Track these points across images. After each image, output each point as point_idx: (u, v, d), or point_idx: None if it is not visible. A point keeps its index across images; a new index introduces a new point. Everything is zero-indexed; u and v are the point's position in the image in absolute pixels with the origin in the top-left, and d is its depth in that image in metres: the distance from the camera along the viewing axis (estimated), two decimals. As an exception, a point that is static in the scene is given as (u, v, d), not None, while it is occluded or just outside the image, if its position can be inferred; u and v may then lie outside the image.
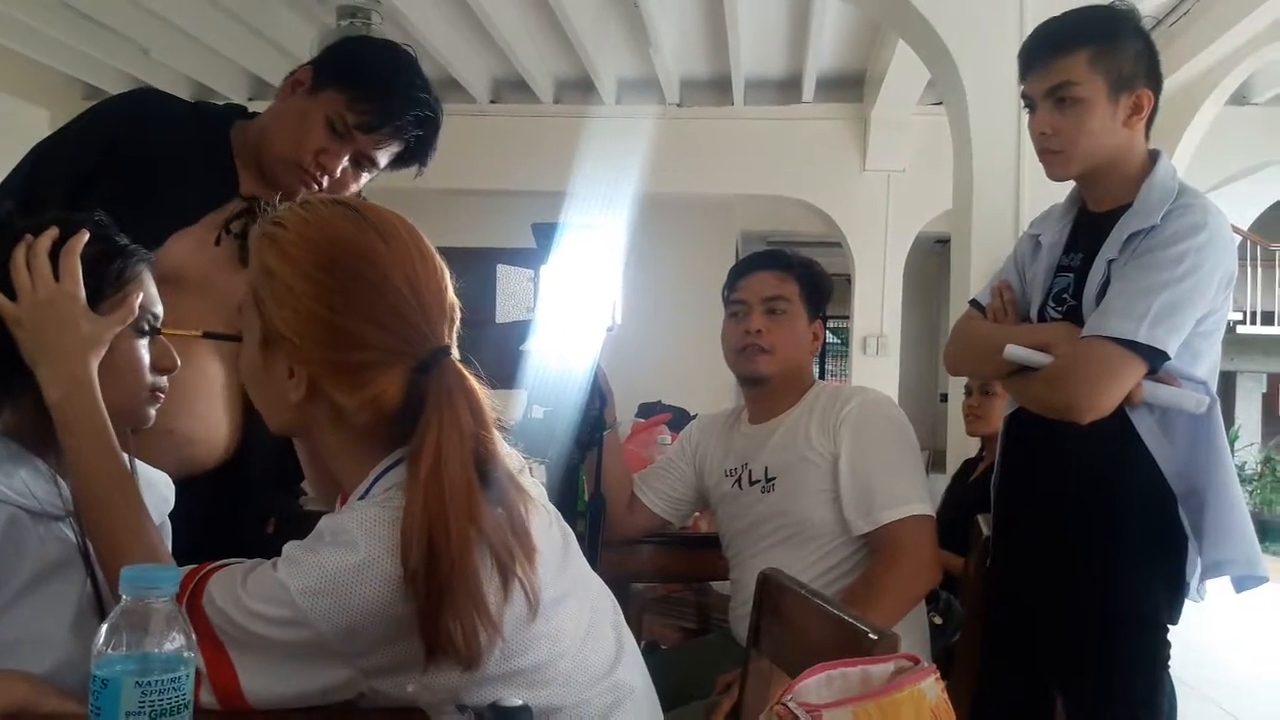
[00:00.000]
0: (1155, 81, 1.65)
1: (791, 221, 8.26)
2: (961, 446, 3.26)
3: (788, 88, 6.96)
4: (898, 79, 5.87)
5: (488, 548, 0.91)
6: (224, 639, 0.88)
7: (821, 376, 13.27)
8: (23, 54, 6.68)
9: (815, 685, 0.69)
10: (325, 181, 1.55)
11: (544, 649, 0.94)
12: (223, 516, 1.48)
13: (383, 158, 1.58)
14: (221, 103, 1.75)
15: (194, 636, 0.64)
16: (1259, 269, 11.45)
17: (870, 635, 1.05)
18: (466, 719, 0.77)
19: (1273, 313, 11.74)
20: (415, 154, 1.60)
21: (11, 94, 7.01)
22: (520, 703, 0.65)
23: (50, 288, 1.04)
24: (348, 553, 0.88)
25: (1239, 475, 7.77)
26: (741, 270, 2.04)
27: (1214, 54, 5.50)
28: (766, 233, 10.69)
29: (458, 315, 1.03)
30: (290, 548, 0.91)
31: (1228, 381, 12.52)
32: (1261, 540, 8.06)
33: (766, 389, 1.97)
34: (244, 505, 1.59)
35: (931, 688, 0.74)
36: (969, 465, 3.09)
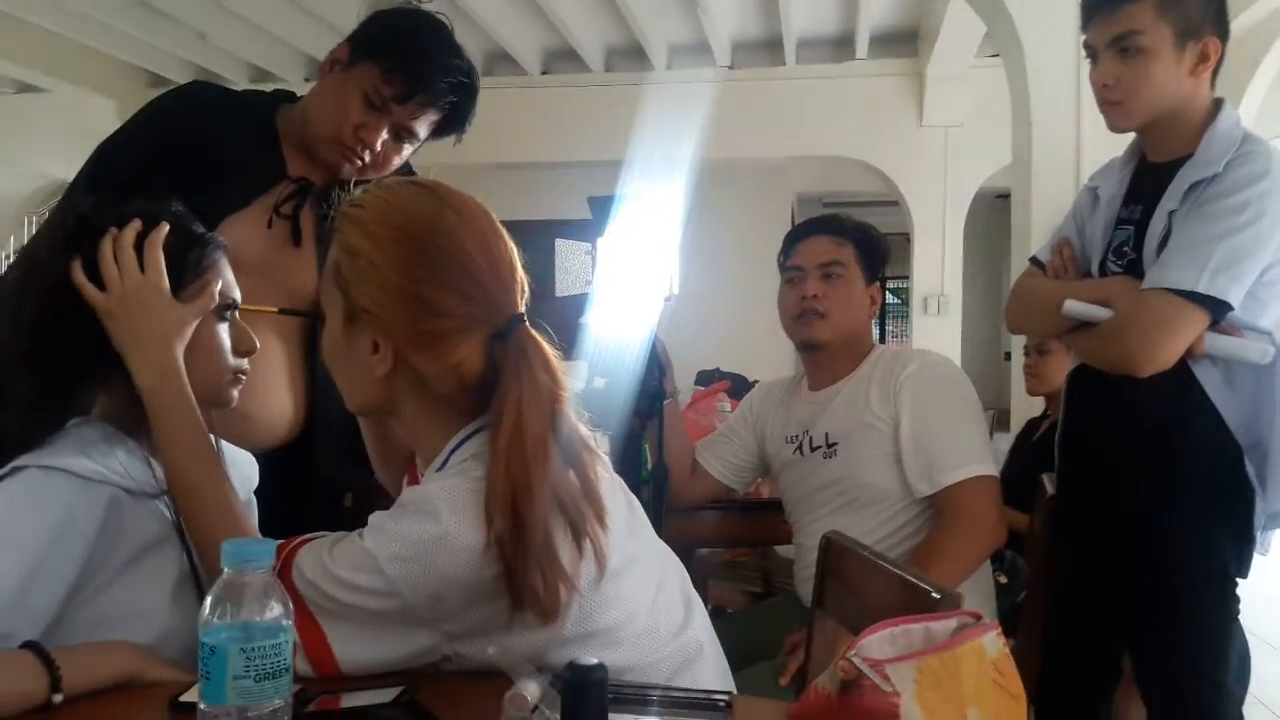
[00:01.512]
0: (1223, 28, 1.61)
1: (848, 182, 8.16)
2: (1025, 405, 3.23)
3: (841, 45, 6.86)
4: (953, 31, 5.75)
5: (559, 508, 0.95)
6: (314, 609, 0.93)
7: (882, 338, 13.15)
8: (88, 46, 6.86)
9: (879, 641, 0.71)
10: (367, 156, 1.58)
11: (616, 611, 0.98)
12: (292, 493, 1.52)
13: (422, 128, 1.60)
14: (277, 85, 1.79)
15: (290, 605, 0.69)
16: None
17: (934, 594, 1.07)
18: (545, 679, 0.81)
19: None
20: (453, 122, 1.62)
21: (79, 85, 7.22)
22: (596, 661, 0.69)
23: (137, 280, 1.09)
24: (431, 522, 0.92)
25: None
26: (797, 236, 2.04)
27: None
28: (822, 194, 10.57)
29: (527, 287, 1.07)
30: (376, 518, 0.96)
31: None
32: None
33: (825, 354, 1.97)
34: (313, 482, 1.64)
35: (993, 642, 0.76)
36: (1033, 424, 3.07)
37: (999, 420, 4.80)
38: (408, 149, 1.64)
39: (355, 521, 1.02)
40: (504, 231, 1.06)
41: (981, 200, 7.03)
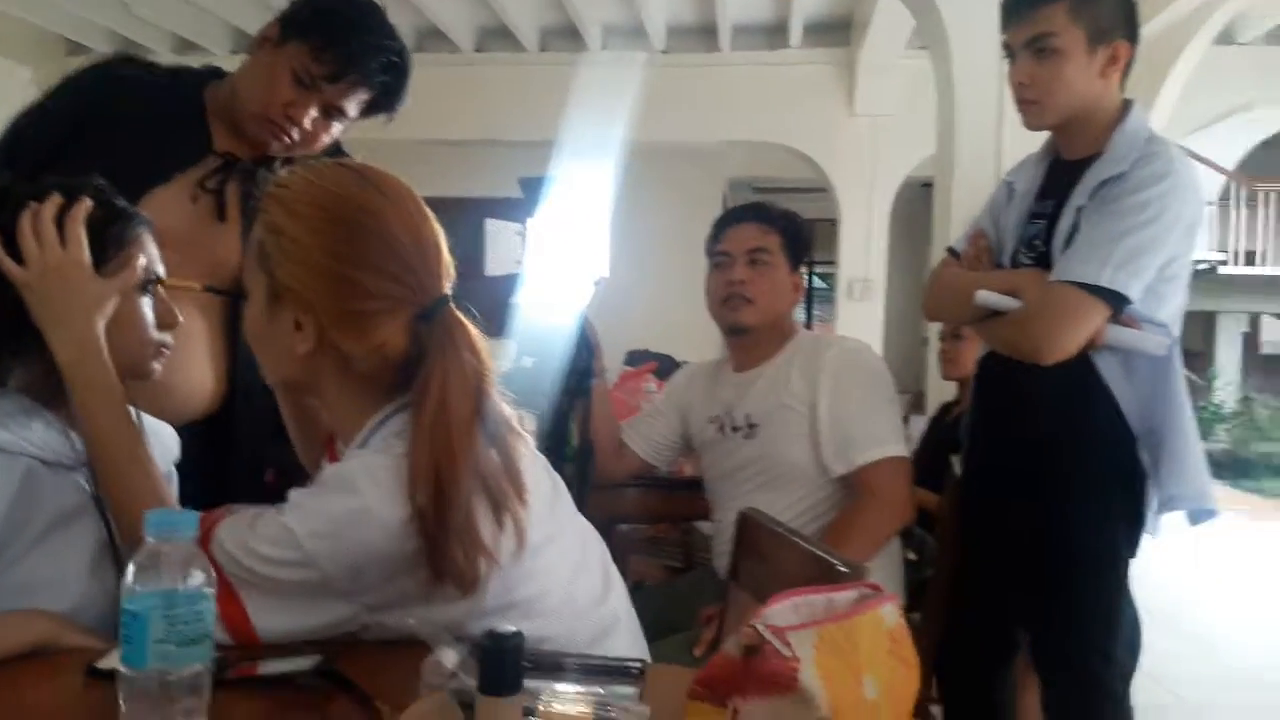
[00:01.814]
0: (1133, 32, 1.69)
1: (779, 167, 8.25)
2: (941, 389, 3.33)
3: (774, 33, 6.92)
4: (884, 22, 5.85)
5: (481, 485, 0.97)
6: (233, 580, 0.94)
7: (808, 322, 13.33)
8: (5, 12, 6.60)
9: (783, 610, 0.75)
10: (295, 134, 1.57)
11: (535, 584, 1.01)
12: (212, 467, 1.52)
13: (351, 107, 1.59)
14: (202, 57, 1.77)
15: (213, 574, 0.70)
16: (1243, 209, 11.48)
17: (841, 568, 1.12)
18: (464, 648, 0.84)
19: (1254, 253, 11.80)
20: (384, 101, 1.62)
21: (-8, 51, 6.94)
22: (514, 629, 0.72)
23: (57, 254, 1.08)
24: (351, 497, 0.94)
25: (1217, 415, 7.94)
26: (725, 222, 2.09)
27: (1198, -6, 5.50)
28: (754, 179, 10.66)
29: (453, 270, 1.08)
30: (295, 494, 0.97)
31: (1209, 321, 12.60)
32: (1238, 478, 8.21)
33: (749, 339, 2.02)
34: (233, 456, 1.63)
35: (890, 613, 0.81)
36: (947, 407, 3.17)
37: (916, 403, 4.93)
38: (337, 127, 1.63)
39: (276, 496, 1.03)
40: (430, 213, 1.07)
41: (908, 188, 7.17)
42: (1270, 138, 11.12)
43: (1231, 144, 11.07)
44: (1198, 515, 1.68)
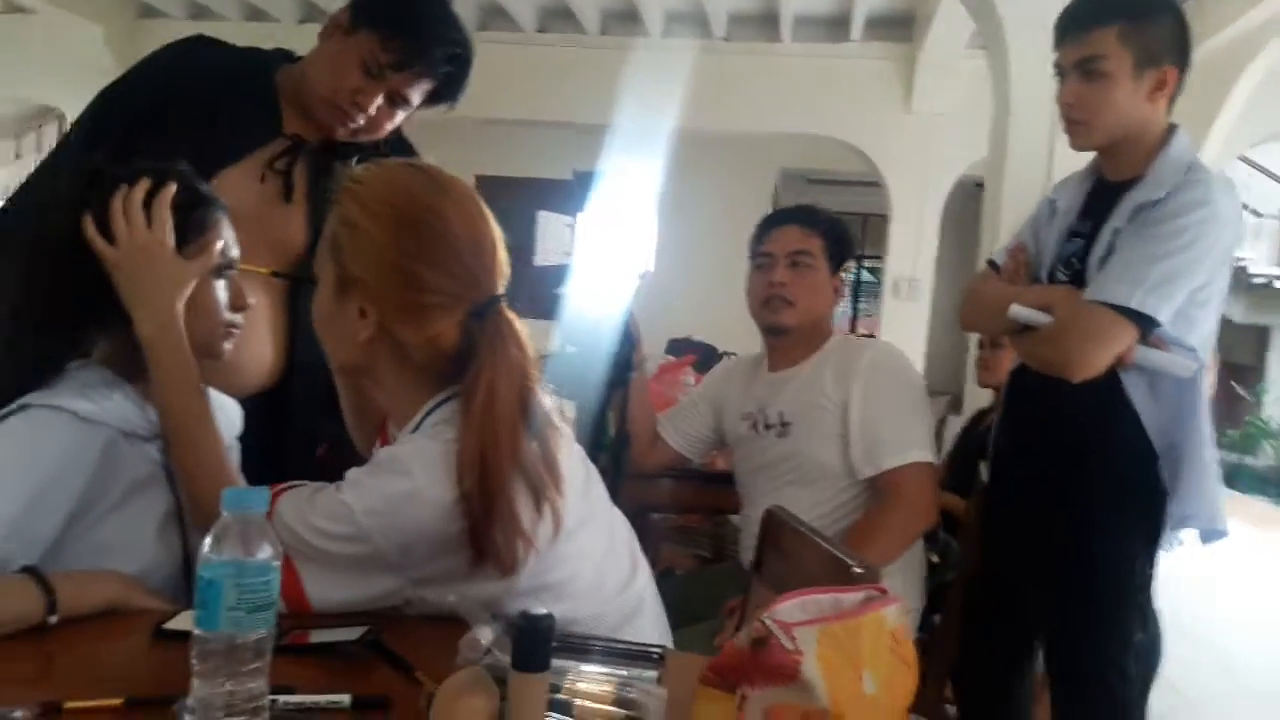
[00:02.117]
0: (1183, 58, 1.71)
1: (832, 160, 8.22)
2: (977, 394, 3.36)
3: (836, 25, 6.90)
4: (946, 21, 5.82)
5: (523, 474, 1.05)
6: (290, 552, 1.03)
7: (854, 316, 13.30)
8: (77, -31, 6.78)
9: (792, 608, 0.81)
10: (361, 120, 1.64)
11: (567, 568, 1.09)
12: (269, 439, 1.59)
13: (415, 95, 1.66)
14: (271, 25, 1.84)
15: (280, 547, 0.78)
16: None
17: (855, 569, 1.18)
18: (499, 626, 0.91)
19: (1315, 268, 11.55)
20: (446, 91, 1.68)
21: (67, 9, 7.13)
22: (546, 611, 0.79)
23: (144, 235, 1.17)
24: (404, 479, 1.02)
25: (1265, 430, 7.80)
26: (770, 224, 2.14)
27: (1272, 5, 5.40)
28: (806, 170, 10.61)
29: (508, 271, 1.15)
30: (353, 473, 1.05)
31: (1262, 336, 12.36)
32: (1280, 494, 7.91)
33: (787, 339, 2.08)
34: (289, 429, 1.71)
35: (894, 614, 0.86)
36: (981, 414, 3.19)
37: (954, 404, 4.94)
38: (400, 114, 1.69)
39: (329, 469, 1.11)
40: (490, 216, 1.15)
41: (961, 189, 7.13)
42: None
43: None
44: (1208, 535, 1.71)
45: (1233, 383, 12.54)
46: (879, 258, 7.76)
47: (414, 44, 1.60)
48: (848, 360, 1.98)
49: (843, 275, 2.12)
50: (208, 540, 0.75)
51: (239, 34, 6.96)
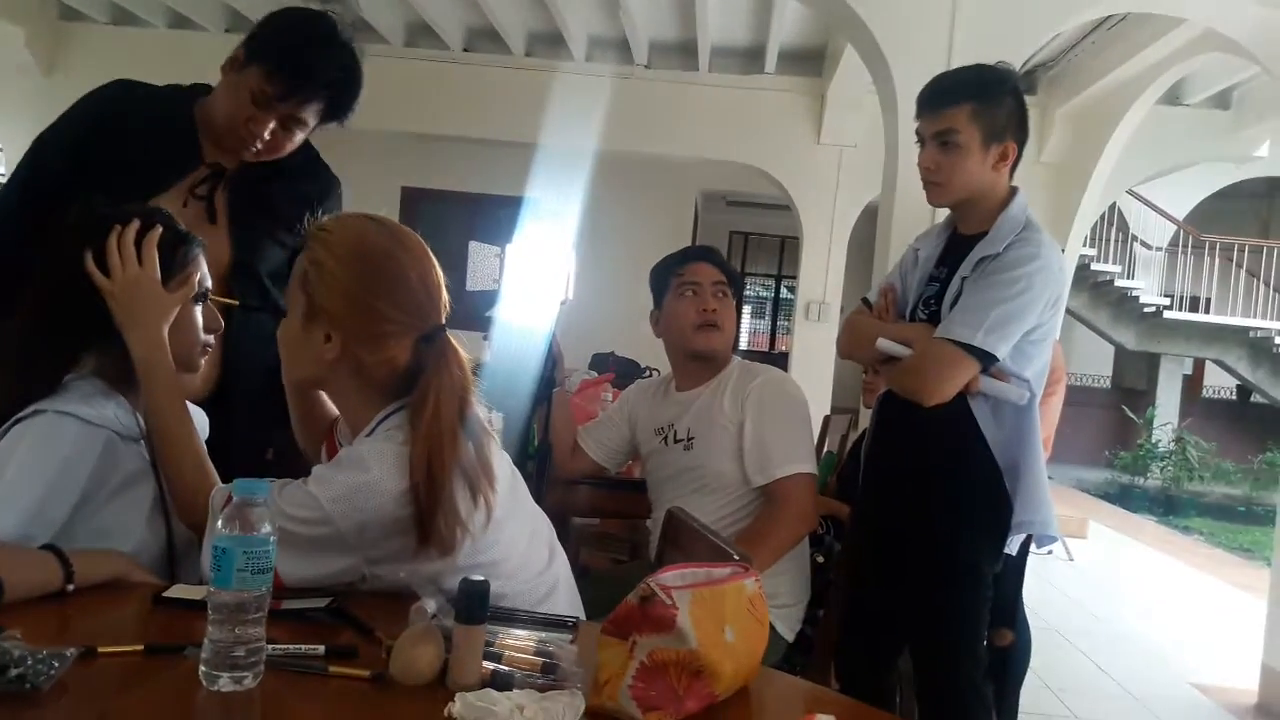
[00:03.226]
0: (1022, 134, 2.04)
1: (749, 183, 8.56)
2: (868, 414, 3.65)
3: (751, 57, 7.23)
4: (854, 59, 6.14)
5: (462, 471, 1.27)
6: None
7: (772, 333, 13.58)
8: (-1, -28, 6.76)
9: (673, 576, 1.06)
10: (259, 145, 1.81)
11: (498, 550, 1.32)
12: (215, 443, 1.72)
13: (309, 118, 1.83)
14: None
15: (276, 525, 1.00)
16: (1189, 257, 11.97)
17: (735, 558, 1.43)
18: (443, 598, 1.13)
19: (1199, 299, 12.28)
20: (335, 111, 1.85)
21: (-12, 11, 7.09)
22: (481, 578, 1.03)
23: (135, 269, 1.38)
24: (362, 472, 1.24)
25: (1153, 453, 8.37)
26: (690, 257, 2.40)
27: (1147, 58, 5.88)
28: (725, 193, 10.96)
29: (447, 305, 1.38)
30: (318, 469, 1.27)
31: (1151, 362, 13.05)
32: (1167, 514, 8.60)
33: (704, 363, 2.34)
34: (233, 435, 1.82)
35: (751, 585, 1.12)
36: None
37: (854, 422, 5.27)
38: (299, 134, 1.86)
39: (277, 470, 1.33)
40: (434, 260, 1.38)
41: (867, 217, 7.49)
42: (1223, 189, 11.62)
43: (1183, 197, 11.55)
44: (1042, 540, 2.04)
45: (1124, 407, 13.21)
46: (793, 277, 8.09)
47: (297, 77, 1.77)
48: (743, 384, 2.25)
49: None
50: (220, 519, 0.97)
51: (163, 41, 7.11)
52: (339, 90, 1.83)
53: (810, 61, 7.22)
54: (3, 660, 0.90)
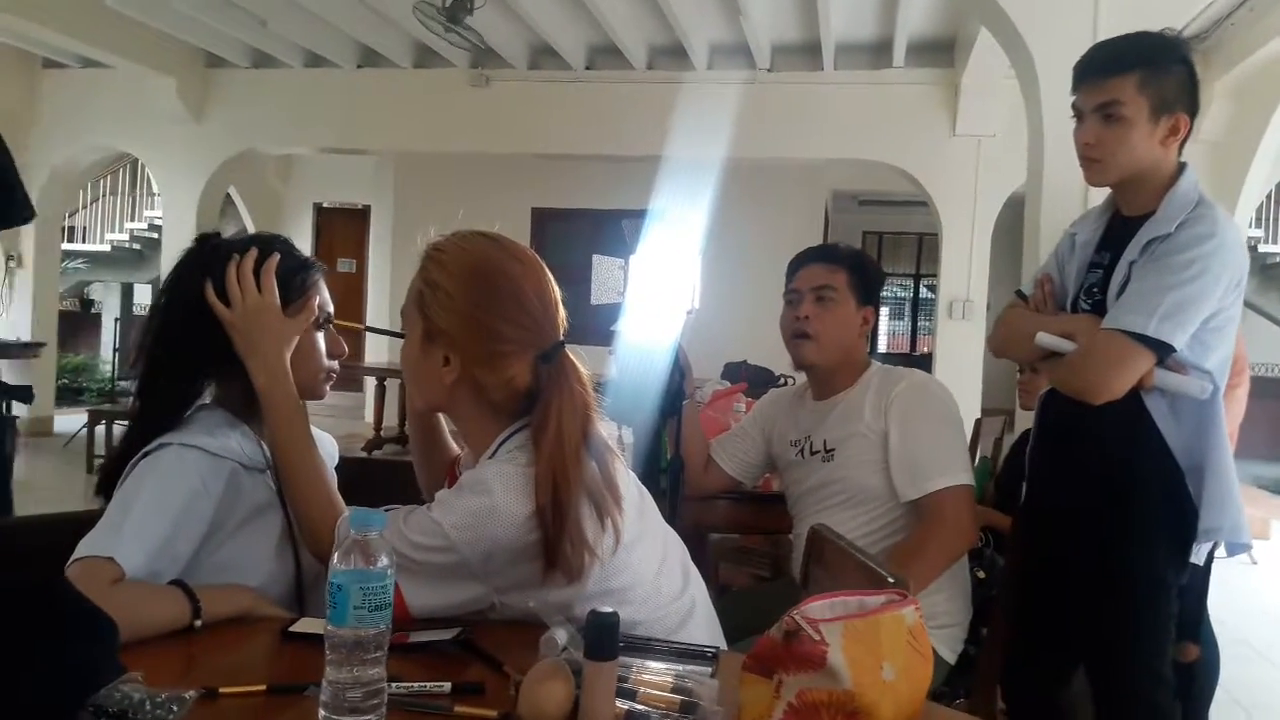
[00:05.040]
0: (1193, 106, 1.83)
1: (882, 181, 8.35)
2: (1024, 416, 3.44)
3: (878, 52, 7.04)
4: (987, 45, 5.88)
5: (587, 493, 1.20)
6: None
7: (913, 335, 13.18)
8: (150, 26, 7.19)
9: (820, 607, 0.95)
10: None
11: (628, 575, 1.24)
12: None
13: None
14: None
15: (394, 559, 0.94)
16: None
17: (889, 580, 1.31)
18: (573, 628, 1.06)
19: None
20: None
21: (141, 63, 7.55)
22: (612, 610, 0.94)
23: (255, 298, 1.36)
24: (485, 496, 1.18)
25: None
26: (796, 264, 2.28)
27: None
28: (857, 192, 10.73)
29: (565, 321, 1.32)
30: (441, 494, 1.23)
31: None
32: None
33: (819, 372, 2.21)
34: None
35: (911, 614, 1.00)
36: (1027, 435, 3.27)
37: (1009, 422, 5.00)
38: None
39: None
40: (550, 276, 1.32)
41: (1011, 209, 7.18)
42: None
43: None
44: (1233, 548, 1.81)
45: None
46: (934, 275, 7.82)
47: None
48: (884, 390, 2.11)
49: (872, 308, 2.23)
50: (335, 554, 0.91)
51: (301, 80, 7.39)
52: None
53: (941, 52, 6.97)
54: (122, 705, 0.87)
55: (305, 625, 1.18)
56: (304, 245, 12.12)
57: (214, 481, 1.29)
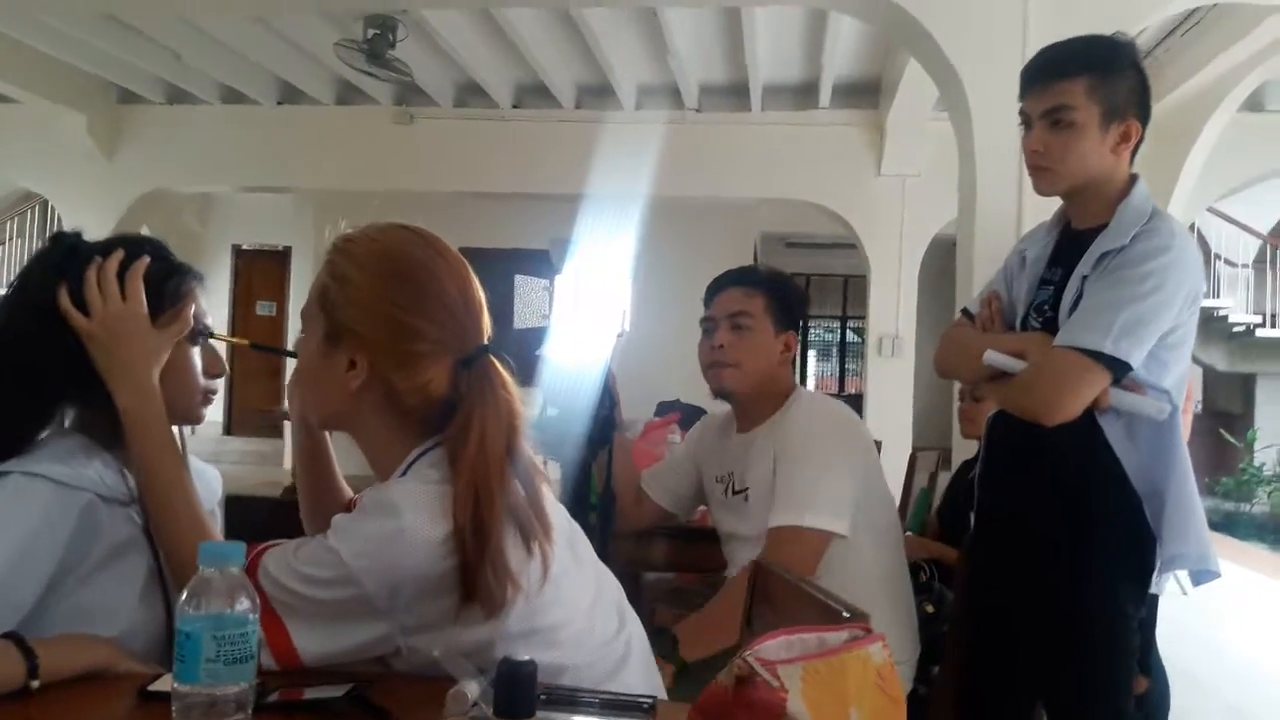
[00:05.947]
0: (1145, 113, 1.75)
1: (810, 223, 8.36)
2: (964, 446, 3.37)
3: (804, 94, 7.07)
4: (912, 86, 5.96)
5: (512, 516, 1.05)
6: (277, 606, 1.02)
7: (842, 376, 13.20)
8: (60, 60, 6.89)
9: (776, 646, 0.81)
10: None
11: (557, 613, 1.08)
12: None
13: None
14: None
15: (258, 600, 0.77)
16: (1278, 272, 11.41)
17: (844, 614, 1.17)
18: (485, 680, 0.90)
19: (1292, 316, 11.66)
20: None
21: (50, 99, 7.23)
22: (529, 658, 0.78)
23: (118, 306, 1.18)
24: (392, 519, 1.02)
25: (1257, 476, 7.80)
26: (715, 288, 2.13)
27: (1225, 62, 5.57)
28: (785, 234, 10.77)
29: (490, 325, 1.17)
30: (338, 519, 1.05)
31: (1247, 383, 12.43)
32: (1279, 541, 7.98)
33: (740, 401, 2.06)
34: None
35: (878, 652, 0.86)
36: (967, 465, 3.19)
37: (943, 459, 4.95)
38: None
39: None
40: (474, 275, 1.17)
41: (938, 247, 7.23)
42: (1307, 200, 11.07)
43: (1267, 208, 11.06)
44: (1200, 576, 1.70)
45: (1221, 431, 12.58)
46: (863, 318, 7.83)
47: None
48: (784, 418, 1.97)
49: (793, 333, 2.08)
50: (185, 593, 0.74)
51: (218, 116, 7.16)
52: None
53: (866, 94, 7.03)
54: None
55: (168, 683, 0.99)
56: (222, 287, 11.62)
57: (63, 516, 1.10)
